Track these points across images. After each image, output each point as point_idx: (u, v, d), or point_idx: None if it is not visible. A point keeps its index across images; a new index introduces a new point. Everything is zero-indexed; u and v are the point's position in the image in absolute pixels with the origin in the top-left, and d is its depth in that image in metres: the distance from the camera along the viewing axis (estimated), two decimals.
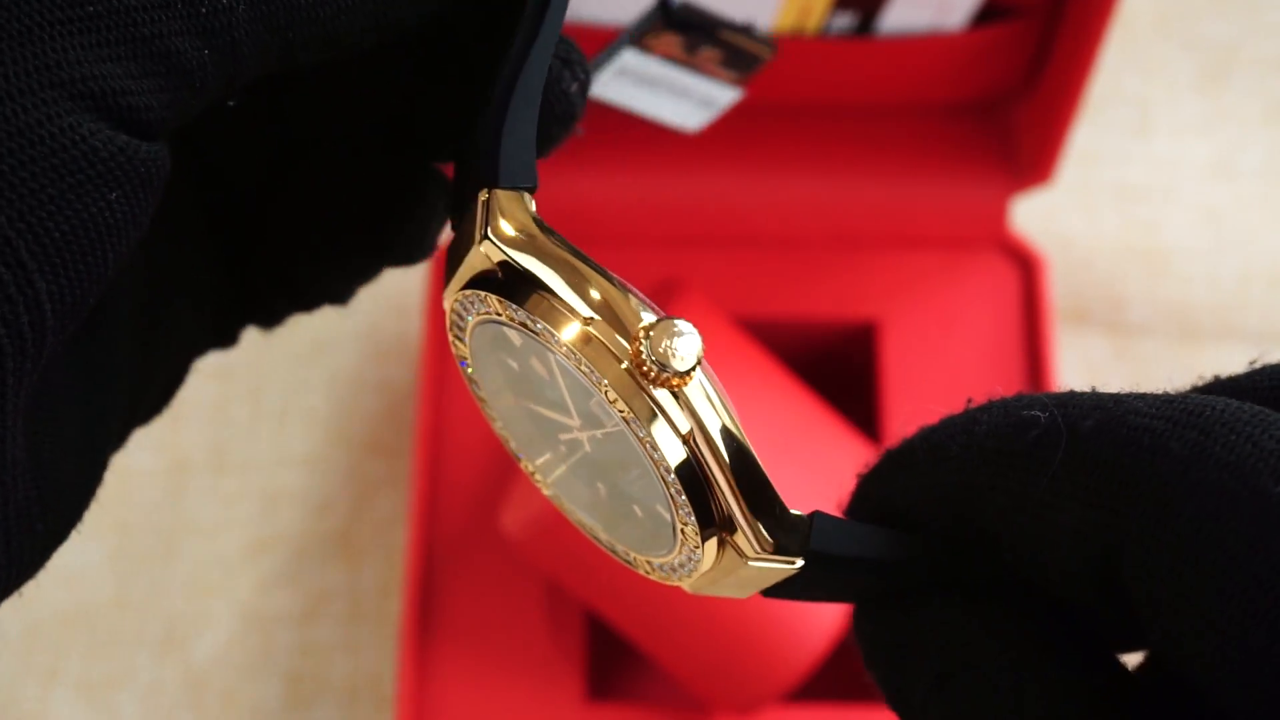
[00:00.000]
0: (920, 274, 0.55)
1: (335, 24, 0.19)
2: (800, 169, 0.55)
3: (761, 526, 0.18)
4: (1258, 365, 0.19)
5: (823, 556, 0.19)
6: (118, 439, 0.23)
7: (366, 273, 0.26)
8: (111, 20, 0.17)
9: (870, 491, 0.20)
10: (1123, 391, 0.19)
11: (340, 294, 0.27)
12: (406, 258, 0.26)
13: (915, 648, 0.19)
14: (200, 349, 0.26)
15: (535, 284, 0.18)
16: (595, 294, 0.18)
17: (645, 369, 0.17)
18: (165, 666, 0.55)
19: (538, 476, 0.22)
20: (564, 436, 0.21)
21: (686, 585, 0.20)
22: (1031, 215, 0.59)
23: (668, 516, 0.19)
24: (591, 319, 0.18)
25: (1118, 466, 0.17)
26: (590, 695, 0.50)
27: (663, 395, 0.18)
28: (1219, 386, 0.19)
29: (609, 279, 0.18)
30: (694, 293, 0.51)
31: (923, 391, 0.53)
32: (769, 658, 0.46)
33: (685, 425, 0.18)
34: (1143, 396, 0.18)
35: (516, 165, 0.19)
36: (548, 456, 0.22)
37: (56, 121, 0.17)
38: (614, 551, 0.21)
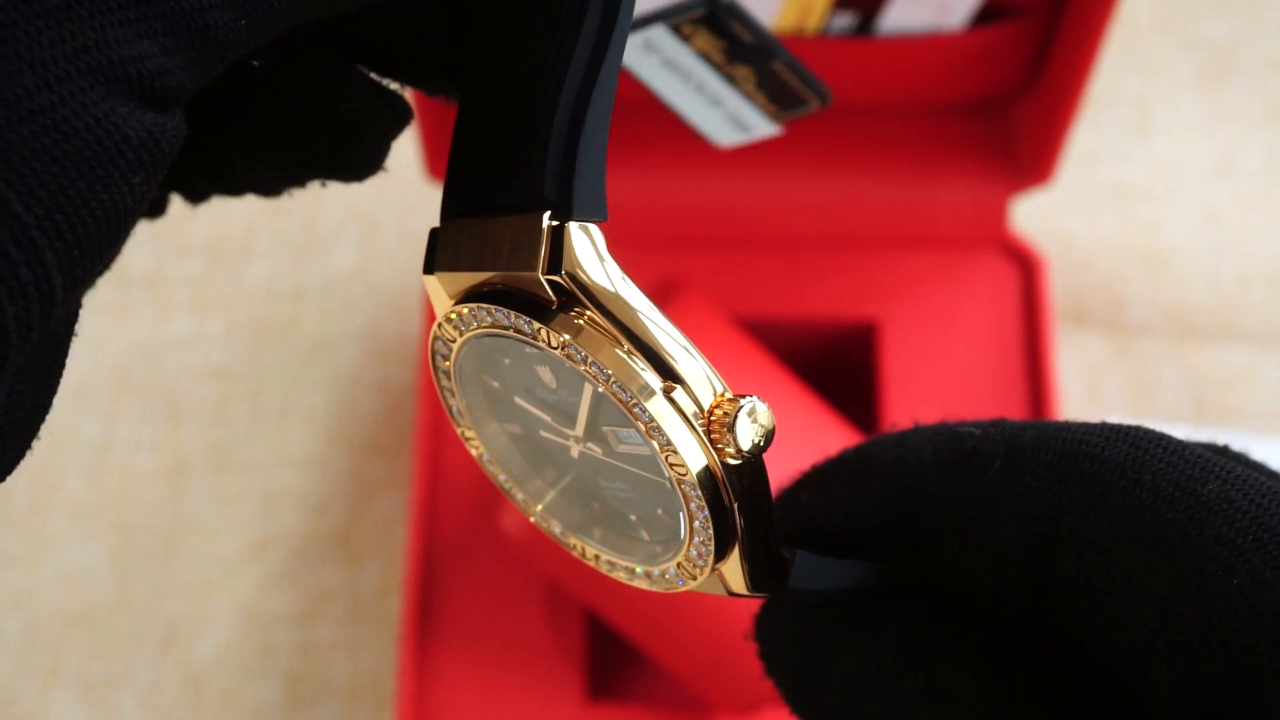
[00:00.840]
0: (920, 274, 0.55)
1: None
2: (800, 169, 0.55)
3: (755, 568, 0.19)
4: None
5: (797, 591, 0.20)
6: (67, 341, 0.21)
7: (301, 179, 0.25)
8: None
9: (800, 497, 0.21)
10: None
11: (269, 189, 0.25)
12: (351, 176, 0.24)
13: (832, 647, 0.20)
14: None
15: (600, 325, 0.18)
16: (676, 357, 0.18)
17: (717, 440, 0.18)
18: (165, 666, 0.55)
19: (518, 495, 0.22)
20: (546, 434, 0.21)
21: (659, 589, 0.21)
22: (1031, 215, 0.59)
23: (660, 534, 0.20)
24: (671, 386, 0.18)
25: (1058, 468, 0.18)
26: (590, 695, 0.50)
27: (724, 464, 0.18)
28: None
29: (688, 343, 0.18)
30: (694, 293, 0.51)
31: (923, 391, 0.53)
32: None
33: (735, 488, 0.18)
34: (1071, 422, 0.19)
35: (591, 195, 0.19)
36: (535, 482, 0.22)
37: (93, 111, 0.16)
38: (598, 562, 0.22)
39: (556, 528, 0.22)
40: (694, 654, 0.47)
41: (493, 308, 0.19)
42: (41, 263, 0.16)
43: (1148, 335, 0.60)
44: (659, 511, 0.20)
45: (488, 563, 0.51)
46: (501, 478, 0.22)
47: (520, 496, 0.22)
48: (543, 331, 0.18)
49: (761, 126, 0.35)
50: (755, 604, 0.22)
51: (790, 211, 0.55)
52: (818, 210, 0.55)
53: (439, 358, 0.21)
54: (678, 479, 0.18)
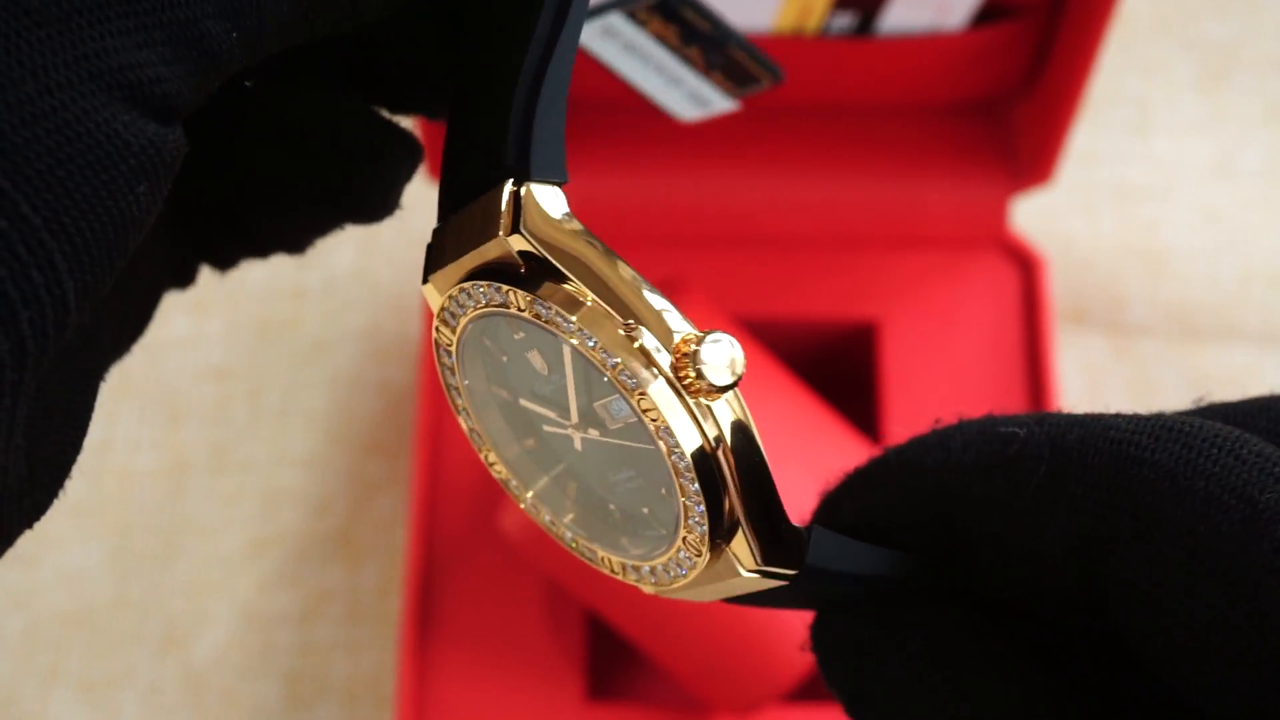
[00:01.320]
0: (920, 274, 0.55)
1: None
2: (800, 169, 0.55)
3: (764, 539, 0.18)
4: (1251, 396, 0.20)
5: (816, 571, 0.19)
6: (95, 382, 0.22)
7: (323, 226, 0.25)
8: (147, 4, 0.17)
9: (842, 505, 0.21)
10: (1101, 411, 0.19)
11: (294, 244, 0.26)
12: (365, 216, 0.25)
13: (882, 650, 0.19)
14: (162, 286, 0.25)
15: (565, 279, 0.18)
16: (636, 301, 0.18)
17: (685, 378, 0.17)
18: (165, 666, 0.55)
19: (514, 484, 0.22)
20: (550, 429, 0.21)
21: (666, 590, 0.20)
22: (1031, 215, 0.59)
23: (667, 519, 0.19)
24: (632, 325, 0.18)
25: (1105, 473, 0.17)
26: (590, 695, 0.50)
27: (697, 404, 0.18)
28: (1199, 413, 0.20)
29: (650, 287, 0.18)
30: (694, 293, 0.52)
31: (923, 391, 0.53)
32: (769, 658, 0.46)
33: (713, 433, 0.18)
34: (1120, 415, 0.18)
35: (548, 157, 0.19)
36: (530, 466, 0.22)
37: (94, 116, 0.16)
38: (594, 558, 0.21)
39: (586, 548, 0.22)
40: (694, 654, 0.47)
41: (470, 285, 0.19)
42: (52, 265, 0.16)
43: (1148, 335, 0.60)
44: (663, 492, 0.20)
45: (488, 563, 0.51)
46: (492, 457, 0.22)
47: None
48: (511, 294, 0.18)
49: (719, 102, 0.36)
50: (754, 611, 0.21)
51: (790, 211, 0.55)
52: (818, 210, 0.55)
53: (447, 373, 0.21)
54: (654, 429, 0.18)
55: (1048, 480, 0.18)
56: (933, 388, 0.53)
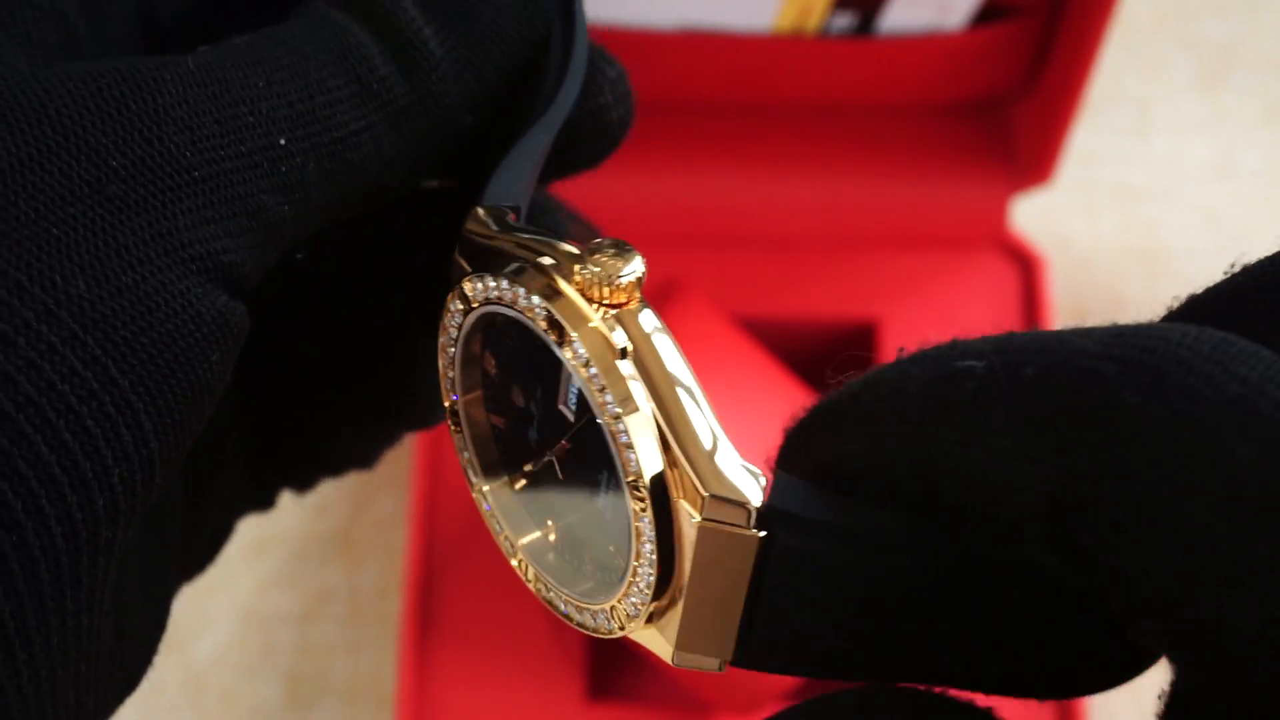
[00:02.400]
0: (920, 274, 0.55)
1: (382, 175, 0.21)
2: (800, 169, 0.55)
3: (708, 470, 0.17)
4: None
5: (782, 516, 0.17)
6: (169, 578, 0.24)
7: (388, 436, 0.28)
8: (212, 184, 0.19)
9: (799, 445, 0.19)
10: (1069, 328, 0.16)
11: (363, 457, 0.28)
12: (422, 421, 0.27)
13: None
14: (241, 509, 0.27)
15: (501, 255, 0.20)
16: (541, 245, 0.19)
17: (590, 292, 0.18)
18: (165, 666, 0.55)
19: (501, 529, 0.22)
20: (530, 468, 0.21)
21: (633, 628, 0.19)
22: (1031, 215, 0.59)
23: (622, 552, 0.19)
24: (543, 265, 0.19)
25: (1066, 419, 0.15)
26: (590, 695, 0.50)
27: (608, 315, 0.18)
28: (1193, 303, 0.18)
29: (551, 239, 0.19)
30: (694, 293, 0.52)
31: None
32: None
33: (623, 341, 0.18)
34: (1090, 332, 0.16)
35: (501, 186, 0.21)
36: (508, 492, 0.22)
37: (170, 288, 0.18)
38: (556, 607, 0.21)
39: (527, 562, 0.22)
40: None
41: (450, 299, 0.20)
42: (139, 425, 0.18)
43: None
44: (613, 547, 0.20)
45: (488, 563, 0.51)
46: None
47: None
48: (464, 283, 0.20)
49: None
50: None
51: (790, 211, 0.55)
52: (818, 210, 0.55)
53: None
54: (576, 364, 0.18)
55: (1005, 426, 0.15)
56: None
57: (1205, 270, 0.70)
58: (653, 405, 0.18)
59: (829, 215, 0.55)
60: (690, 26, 0.49)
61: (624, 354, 0.18)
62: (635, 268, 0.18)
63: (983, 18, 0.49)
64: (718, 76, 0.52)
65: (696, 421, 0.18)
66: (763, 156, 0.55)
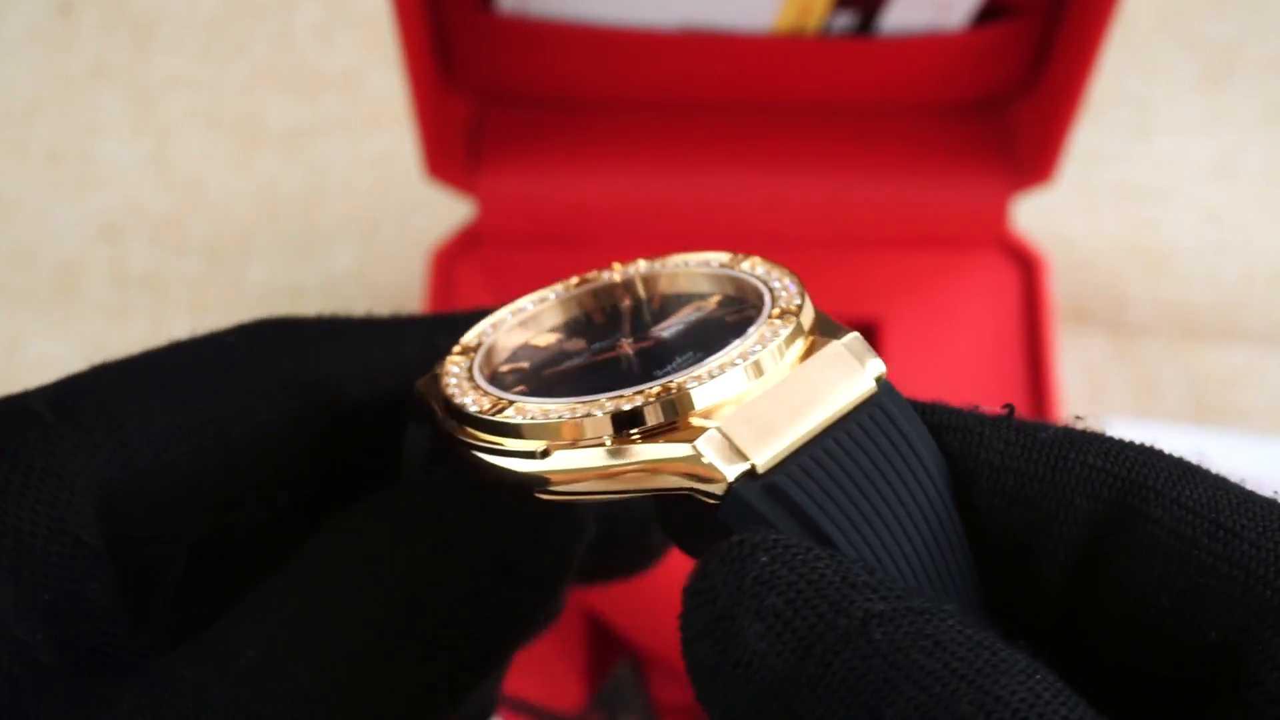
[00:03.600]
0: (920, 274, 0.55)
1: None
2: (800, 169, 0.55)
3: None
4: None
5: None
6: None
7: None
8: None
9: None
10: None
11: None
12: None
13: None
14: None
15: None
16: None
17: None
18: None
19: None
20: None
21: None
22: (1032, 215, 0.59)
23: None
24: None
25: None
26: (590, 695, 0.50)
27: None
28: None
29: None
30: None
31: (923, 392, 0.53)
32: None
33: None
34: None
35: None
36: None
37: None
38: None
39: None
40: None
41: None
42: None
43: (1149, 335, 0.60)
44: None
45: None
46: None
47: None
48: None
49: None
50: None
51: (790, 211, 0.55)
52: (818, 210, 0.55)
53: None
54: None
55: None
56: (933, 388, 0.53)
57: (1205, 270, 0.70)
58: None
59: (829, 215, 0.55)
60: (691, 26, 0.49)
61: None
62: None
63: (983, 17, 0.49)
64: (718, 76, 0.52)
65: None
66: (763, 156, 0.55)
